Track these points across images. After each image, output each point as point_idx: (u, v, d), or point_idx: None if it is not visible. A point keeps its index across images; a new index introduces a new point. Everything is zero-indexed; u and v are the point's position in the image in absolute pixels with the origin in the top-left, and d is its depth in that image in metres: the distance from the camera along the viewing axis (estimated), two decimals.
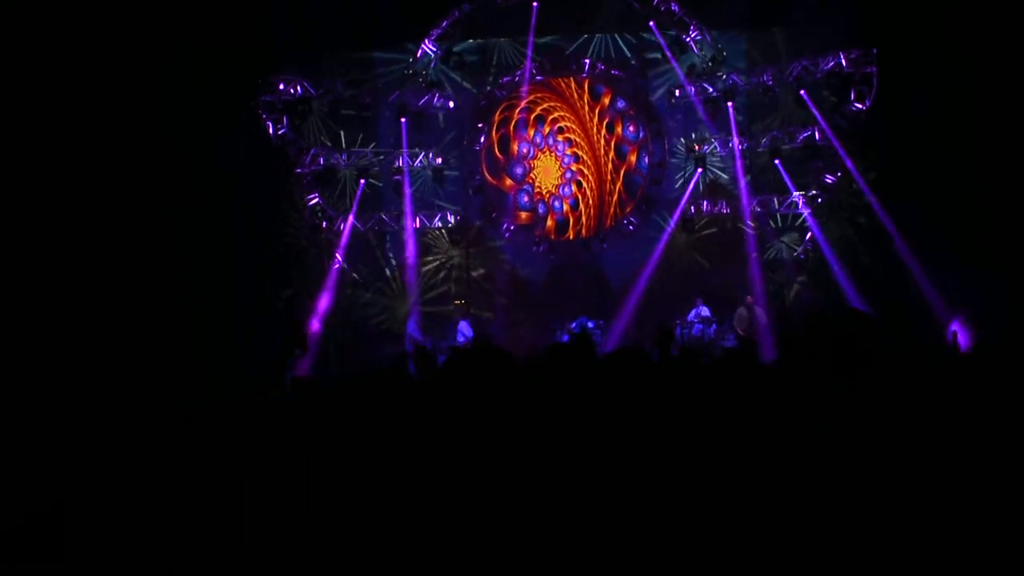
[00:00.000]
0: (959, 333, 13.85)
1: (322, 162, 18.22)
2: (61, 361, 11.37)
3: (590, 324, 17.68)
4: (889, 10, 16.23)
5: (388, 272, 19.30)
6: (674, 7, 18.14)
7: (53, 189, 12.92)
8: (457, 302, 19.00)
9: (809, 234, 18.41)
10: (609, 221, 19.88)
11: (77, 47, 13.34)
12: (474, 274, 19.59)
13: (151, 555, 3.28)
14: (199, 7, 14.92)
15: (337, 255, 18.37)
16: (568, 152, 19.93)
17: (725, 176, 19.51)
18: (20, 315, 11.98)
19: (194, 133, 14.54)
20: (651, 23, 18.47)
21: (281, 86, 17.37)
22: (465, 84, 19.46)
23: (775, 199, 18.81)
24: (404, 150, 18.60)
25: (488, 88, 19.56)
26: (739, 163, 18.75)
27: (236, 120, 16.49)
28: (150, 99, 14.26)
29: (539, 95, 19.79)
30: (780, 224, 19.15)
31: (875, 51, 16.95)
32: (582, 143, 19.91)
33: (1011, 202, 14.88)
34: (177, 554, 3.27)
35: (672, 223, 19.17)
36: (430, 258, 19.62)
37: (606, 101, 19.78)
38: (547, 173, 19.91)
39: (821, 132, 17.82)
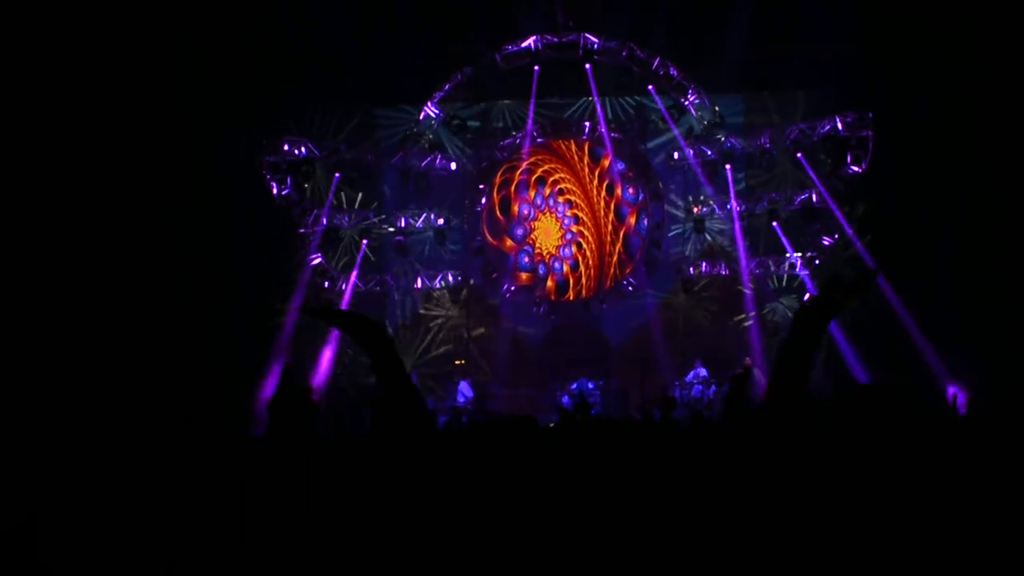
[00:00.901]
0: (958, 396, 13.89)
1: (325, 222, 18.29)
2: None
3: (590, 385, 17.70)
4: (885, 76, 16.49)
5: (389, 332, 19.28)
6: (672, 71, 18.40)
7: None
8: (457, 362, 19.03)
9: (807, 296, 18.45)
10: (609, 282, 19.97)
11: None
12: (474, 334, 19.60)
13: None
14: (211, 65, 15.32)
15: None
16: (568, 213, 20.09)
17: (724, 238, 19.65)
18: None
19: (203, 182, 15.00)
20: (650, 87, 18.76)
21: (285, 147, 17.51)
22: (466, 147, 19.65)
23: (773, 261, 18.92)
24: (406, 211, 18.76)
25: (489, 150, 19.75)
26: (737, 225, 18.89)
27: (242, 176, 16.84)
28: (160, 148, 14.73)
29: (540, 157, 20.00)
30: (779, 286, 19.23)
31: (871, 115, 17.16)
32: (582, 204, 20.08)
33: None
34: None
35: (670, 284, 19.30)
36: (431, 318, 19.66)
37: (606, 163, 19.97)
38: (547, 234, 20.06)
39: (818, 194, 17.99)
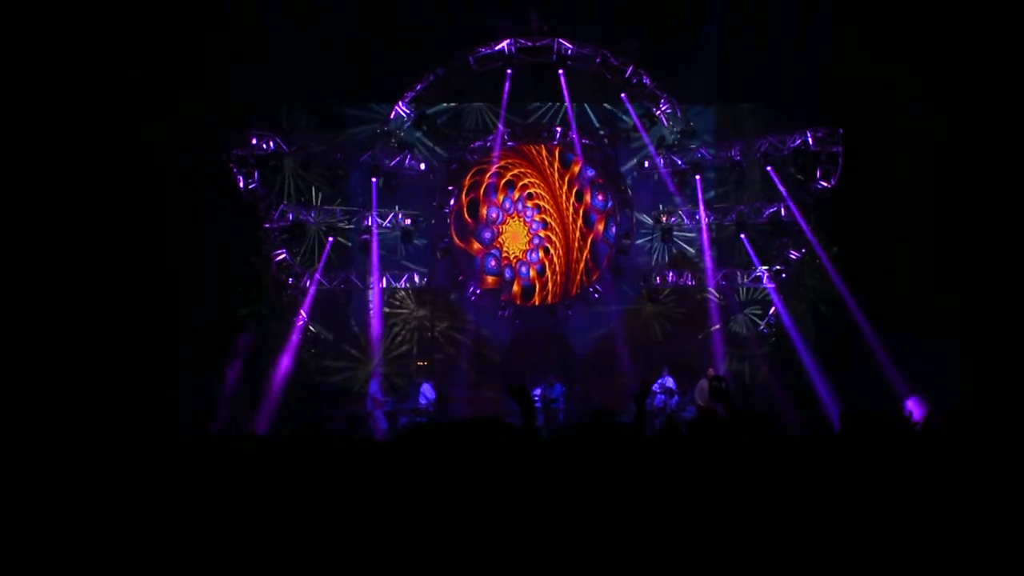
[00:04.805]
0: (915, 411, 13.90)
1: (291, 218, 18.06)
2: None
3: (558, 388, 17.61)
4: (853, 91, 16.57)
5: (353, 331, 19.15)
6: (646, 80, 18.40)
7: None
8: (420, 363, 18.90)
9: (772, 308, 18.50)
10: (575, 288, 19.93)
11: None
12: (438, 336, 19.48)
13: None
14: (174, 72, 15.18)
15: (302, 312, 18.19)
16: (537, 218, 20.04)
17: (691, 248, 19.67)
18: None
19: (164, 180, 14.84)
20: (622, 95, 18.77)
21: (253, 140, 17.28)
22: (437, 148, 19.54)
23: (740, 273, 18.93)
24: (374, 210, 18.57)
25: (460, 152, 19.65)
26: (705, 236, 18.91)
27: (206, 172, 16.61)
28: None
29: (510, 161, 19.94)
30: (744, 298, 19.26)
31: (841, 131, 17.24)
32: (551, 210, 20.03)
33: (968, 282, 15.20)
34: None
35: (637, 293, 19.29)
36: (395, 318, 19.50)
37: (576, 169, 19.94)
38: (515, 238, 19.98)
39: (787, 208, 18.04)
